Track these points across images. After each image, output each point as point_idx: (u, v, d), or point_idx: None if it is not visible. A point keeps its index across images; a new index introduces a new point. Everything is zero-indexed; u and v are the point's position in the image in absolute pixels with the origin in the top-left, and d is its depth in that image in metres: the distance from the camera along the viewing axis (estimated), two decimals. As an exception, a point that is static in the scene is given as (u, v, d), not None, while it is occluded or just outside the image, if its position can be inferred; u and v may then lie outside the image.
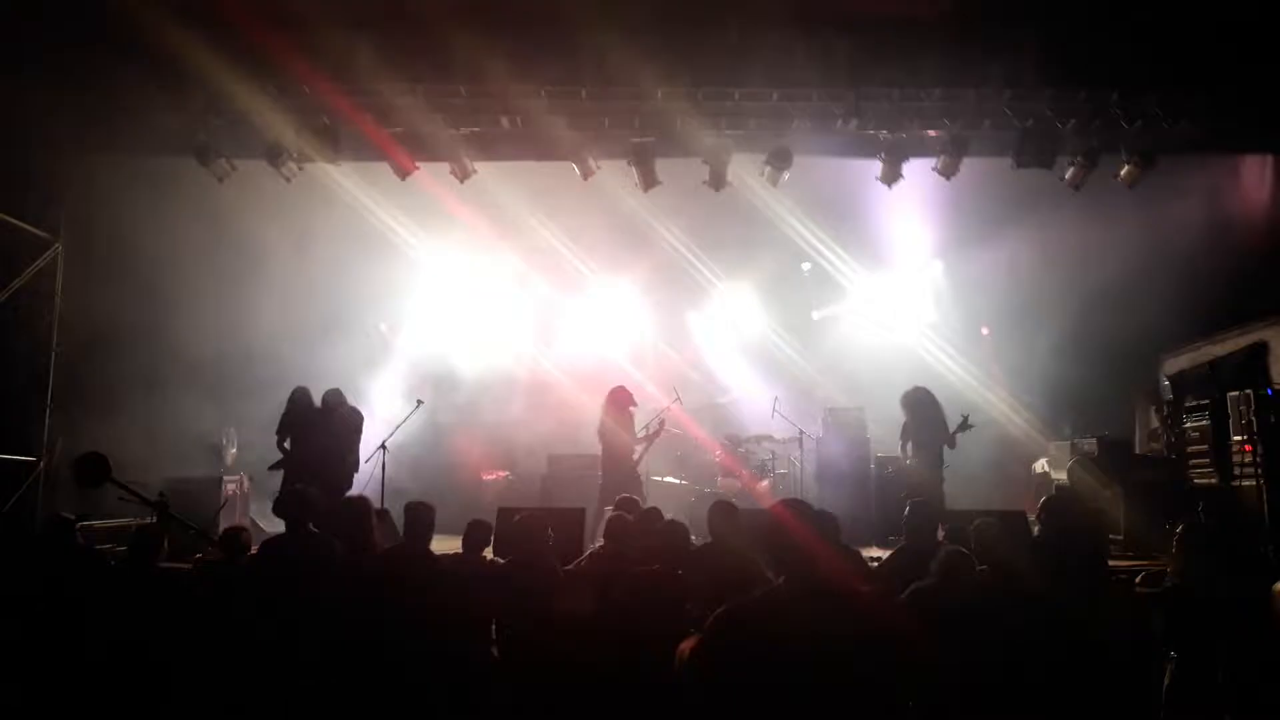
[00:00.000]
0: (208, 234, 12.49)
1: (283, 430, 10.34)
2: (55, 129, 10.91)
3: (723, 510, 6.78)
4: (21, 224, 11.48)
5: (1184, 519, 6.05)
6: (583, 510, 9.05)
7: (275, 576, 6.18)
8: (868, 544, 10.03)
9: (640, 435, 11.07)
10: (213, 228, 12.41)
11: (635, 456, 10.92)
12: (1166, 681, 5.33)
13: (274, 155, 11.21)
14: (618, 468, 10.60)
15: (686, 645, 3.80)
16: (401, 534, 6.88)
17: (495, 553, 7.76)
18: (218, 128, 11.19)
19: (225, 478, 11.42)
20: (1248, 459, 9.43)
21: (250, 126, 11.03)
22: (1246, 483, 9.36)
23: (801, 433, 12.29)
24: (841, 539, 6.41)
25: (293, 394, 10.49)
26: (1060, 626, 5.10)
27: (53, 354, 11.77)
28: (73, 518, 6.98)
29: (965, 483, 10.87)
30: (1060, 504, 6.95)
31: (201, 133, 11.14)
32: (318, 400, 10.41)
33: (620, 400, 10.89)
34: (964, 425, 10.04)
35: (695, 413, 13.32)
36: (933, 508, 7.47)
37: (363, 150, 11.49)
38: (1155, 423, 12.46)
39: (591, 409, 11.40)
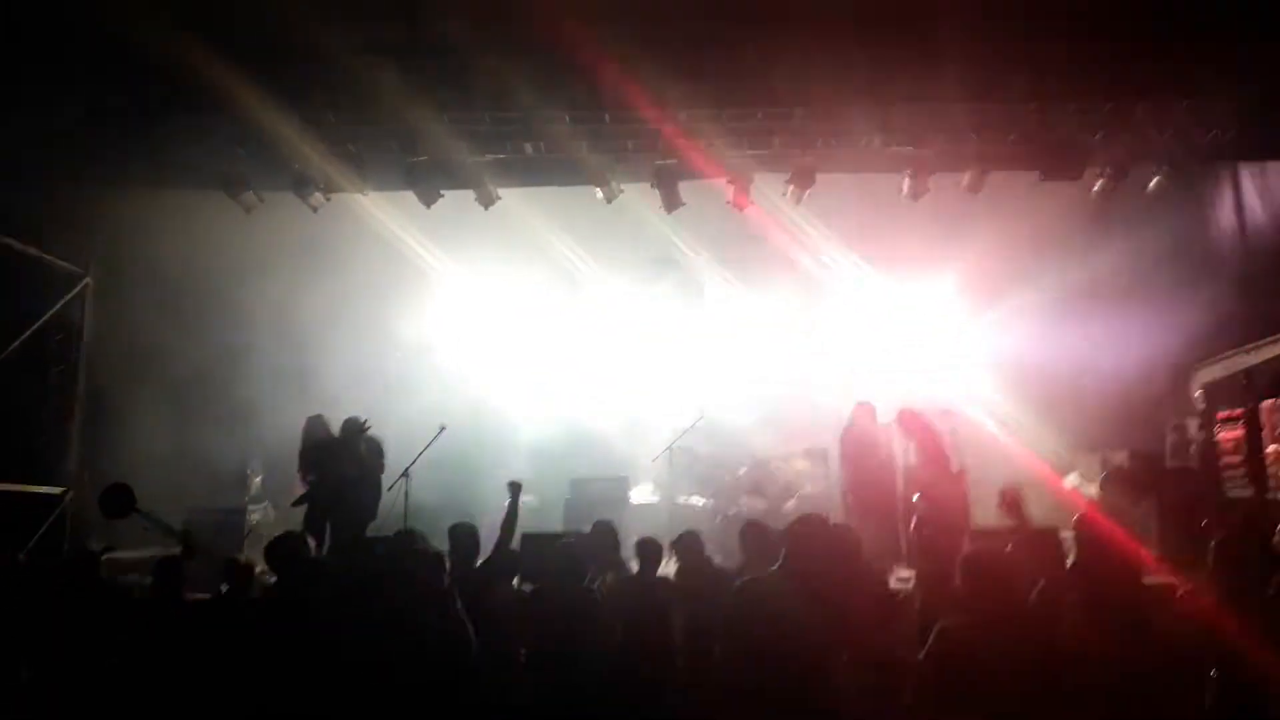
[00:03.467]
0: (236, 264, 12.60)
1: (304, 463, 10.23)
2: (83, 163, 11.01)
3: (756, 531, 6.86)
4: (51, 258, 11.62)
5: (1219, 533, 5.88)
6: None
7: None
8: (896, 564, 9.88)
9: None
10: (242, 257, 12.52)
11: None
12: (1209, 701, 5.19)
13: (301, 186, 11.30)
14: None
15: None
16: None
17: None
18: (245, 159, 11.29)
19: (250, 507, 11.44)
20: (1283, 469, 9.26)
21: (277, 157, 11.12)
22: (1283, 493, 9.18)
23: (827, 451, 12.11)
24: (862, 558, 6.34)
25: (307, 424, 10.40)
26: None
27: (79, 386, 11.86)
28: (97, 551, 7.00)
29: (991, 498, 10.63)
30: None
31: (228, 164, 11.25)
32: (335, 428, 10.29)
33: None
34: None
35: (719, 431, 13.18)
36: None
37: (389, 179, 11.59)
38: (1192, 431, 12.18)
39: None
